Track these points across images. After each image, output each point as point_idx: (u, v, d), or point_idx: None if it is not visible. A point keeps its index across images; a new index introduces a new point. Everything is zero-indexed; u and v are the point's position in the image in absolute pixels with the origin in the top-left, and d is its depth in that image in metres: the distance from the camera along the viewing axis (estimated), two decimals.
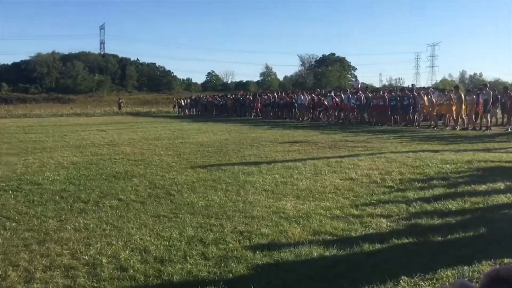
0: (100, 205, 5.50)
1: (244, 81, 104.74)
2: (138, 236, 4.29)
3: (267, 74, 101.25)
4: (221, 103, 33.01)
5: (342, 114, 22.04)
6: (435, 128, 17.26)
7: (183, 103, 37.76)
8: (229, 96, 34.08)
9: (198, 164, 8.67)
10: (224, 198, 5.77)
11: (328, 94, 23.52)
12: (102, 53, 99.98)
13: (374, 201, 5.49)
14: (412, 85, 24.56)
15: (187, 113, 36.75)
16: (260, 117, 27.67)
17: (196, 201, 5.63)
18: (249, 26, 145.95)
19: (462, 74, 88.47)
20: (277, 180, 6.90)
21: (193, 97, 39.07)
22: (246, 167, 8.11)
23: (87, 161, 9.22)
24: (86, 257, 3.73)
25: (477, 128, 16.44)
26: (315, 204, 5.42)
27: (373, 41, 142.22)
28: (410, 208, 5.15)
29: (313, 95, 24.69)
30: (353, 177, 7.04)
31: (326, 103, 22.70)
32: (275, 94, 28.06)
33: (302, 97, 24.57)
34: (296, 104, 24.85)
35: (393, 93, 20.10)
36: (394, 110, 19.23)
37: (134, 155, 10.03)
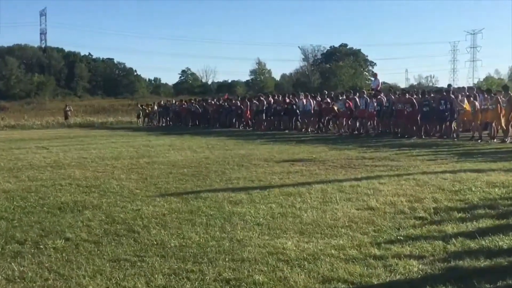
0: (41, 246, 5.44)
1: (230, 81, 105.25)
2: (91, 287, 4.24)
3: (259, 72, 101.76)
4: (200, 110, 33.11)
5: (357, 124, 22.18)
6: (479, 141, 17.43)
7: (150, 111, 37.83)
8: (210, 101, 34.23)
9: (170, 191, 8.61)
10: (205, 235, 5.73)
11: (340, 98, 23.68)
12: (43, 46, 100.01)
13: (401, 238, 5.49)
14: (448, 85, 24.88)
15: (156, 124, 36.79)
16: (251, 128, 27.74)
17: (167, 239, 5.59)
18: (235, 9, 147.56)
19: None
20: (274, 210, 6.88)
21: (162, 102, 39.21)
22: (233, 194, 8.07)
23: (24, 188, 9.12)
24: None
25: None
26: (324, 242, 5.41)
27: (396, 28, 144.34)
28: (448, 246, 5.15)
29: (319, 98, 24.86)
30: (373, 206, 7.05)
31: (336, 109, 22.86)
32: (270, 98, 28.22)
33: (305, 101, 24.73)
34: (297, 111, 24.99)
35: (424, 96, 20.27)
36: (426, 117, 19.40)
37: (85, 180, 9.94)
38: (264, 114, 27.16)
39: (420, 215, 6.51)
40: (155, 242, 5.50)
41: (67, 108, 43.94)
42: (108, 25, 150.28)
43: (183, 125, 33.45)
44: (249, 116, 28.39)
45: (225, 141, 19.31)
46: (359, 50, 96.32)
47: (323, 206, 7.14)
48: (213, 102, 33.34)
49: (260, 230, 5.93)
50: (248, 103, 28.96)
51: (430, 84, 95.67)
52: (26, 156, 15.12)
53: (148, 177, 10.18)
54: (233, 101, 31.15)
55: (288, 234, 5.75)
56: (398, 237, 5.50)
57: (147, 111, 38.07)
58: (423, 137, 19.09)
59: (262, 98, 28.39)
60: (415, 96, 20.77)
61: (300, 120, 25.27)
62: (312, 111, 24.09)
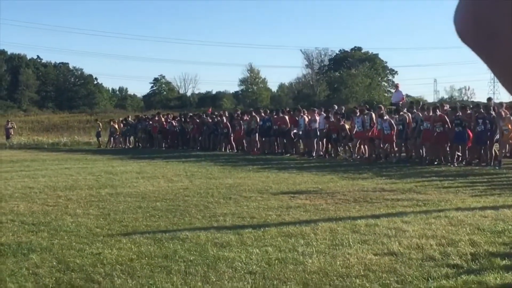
0: None
1: (214, 92, 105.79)
2: None
3: (251, 81, 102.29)
4: (177, 128, 33.14)
5: (374, 147, 22.25)
6: None
7: (113, 129, 37.82)
8: (190, 116, 34.29)
9: (139, 230, 8.59)
10: (183, 286, 5.72)
11: (355, 115, 23.75)
12: None
13: None
14: (488, 99, 25.03)
15: (121, 146, 36.74)
16: (241, 151, 27.75)
17: None
18: (222, 4, 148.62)
19: None
20: (271, 256, 6.86)
21: (130, 118, 39.21)
22: (218, 234, 8.06)
23: None
24: None
25: None
26: None
27: (423, 29, 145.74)
28: None
29: (324, 114, 24.92)
30: (395, 250, 7.05)
31: (348, 128, 22.93)
32: (264, 114, 28.25)
33: (308, 118, 24.83)
34: (300, 131, 25.05)
35: (456, 113, 20.39)
36: (460, 139, 19.49)
37: (32, 216, 9.89)
38: (258, 134, 27.20)
39: (454, 262, 6.50)
40: None
41: (9, 125, 43.87)
42: (61, 22, 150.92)
43: (156, 147, 33.46)
44: (240, 136, 28.40)
45: (208, 168, 19.33)
46: (376, 55, 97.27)
47: (332, 250, 7.13)
48: (194, 118, 33.11)
49: (253, 280, 5.91)
50: (239, 119, 28.95)
51: (465, 97, 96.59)
52: None
53: (111, 213, 10.13)
54: (219, 117, 31.19)
55: (288, 285, 5.73)
56: None
57: (111, 129, 37.94)
58: (456, 164, 19.19)
59: (255, 114, 28.43)
60: (446, 112, 20.80)
61: (302, 141, 25.33)
62: (318, 131, 24.12)
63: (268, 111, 29.84)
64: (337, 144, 23.96)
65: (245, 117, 28.89)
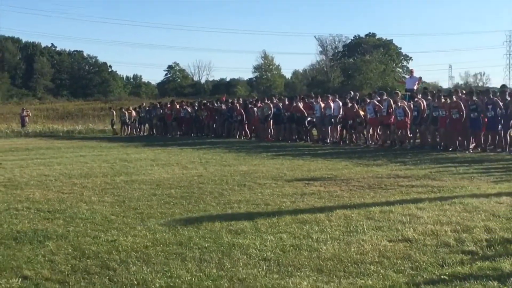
0: None
1: (228, 79, 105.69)
2: None
3: (266, 68, 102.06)
4: (191, 115, 33.16)
5: (388, 133, 22.16)
6: None
7: (128, 117, 37.88)
8: (204, 104, 34.27)
9: (153, 217, 8.61)
10: (198, 273, 5.73)
11: (368, 100, 23.65)
12: None
13: (446, 277, 5.47)
14: (502, 85, 24.79)
15: (135, 133, 36.82)
16: (255, 138, 27.73)
17: (151, 279, 5.58)
18: None
19: None
20: (285, 242, 6.87)
21: (144, 105, 39.23)
22: (233, 221, 8.07)
23: None
24: None
25: None
26: (349, 282, 5.40)
27: (437, 14, 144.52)
28: None
29: (342, 101, 24.81)
30: (409, 236, 7.04)
31: (362, 114, 22.85)
32: (275, 101, 28.16)
33: (323, 104, 24.74)
34: (314, 118, 24.99)
35: (472, 98, 20.24)
36: (475, 126, 19.36)
37: (47, 203, 9.94)
38: (272, 121, 27.19)
39: (469, 248, 6.49)
40: (136, 282, 5.49)
41: (24, 113, 44.07)
42: (75, 10, 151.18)
43: (171, 134, 33.51)
44: (254, 124, 28.38)
45: (223, 155, 19.35)
46: (390, 41, 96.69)
47: (346, 236, 7.13)
48: (208, 105, 33.06)
49: (268, 267, 5.92)
50: (253, 107, 28.92)
51: (480, 83, 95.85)
52: None
53: (126, 200, 10.17)
54: (234, 104, 31.09)
55: (302, 272, 5.74)
56: (442, 277, 5.49)
57: (125, 117, 37.93)
58: (471, 150, 19.08)
59: (268, 102, 28.37)
60: (461, 99, 20.63)
61: (317, 128, 25.27)
62: (333, 118, 24.04)
63: (280, 98, 29.75)
64: (352, 131, 23.89)
65: (259, 104, 28.87)
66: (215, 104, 32.89)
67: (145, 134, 36.31)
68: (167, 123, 34.65)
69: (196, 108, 33.63)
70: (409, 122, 21.17)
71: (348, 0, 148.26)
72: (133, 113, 37.74)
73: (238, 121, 29.29)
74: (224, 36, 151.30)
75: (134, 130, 37.20)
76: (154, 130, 35.98)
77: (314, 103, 25.42)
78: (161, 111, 35.46)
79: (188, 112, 33.59)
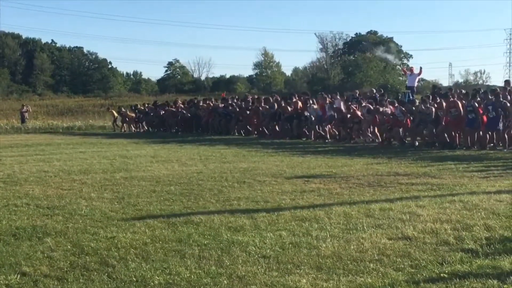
0: None
1: (228, 76, 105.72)
2: None
3: (266, 65, 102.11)
4: (191, 113, 33.10)
5: (387, 131, 22.15)
6: None
7: (128, 113, 37.87)
8: (203, 100, 34.20)
9: (153, 213, 8.60)
10: (197, 270, 5.72)
11: (364, 104, 23.65)
12: None
13: (446, 275, 5.46)
14: (505, 81, 24.73)
15: (135, 130, 36.81)
16: (256, 135, 27.71)
17: (150, 275, 5.58)
18: None
19: None
20: (284, 240, 6.86)
21: (144, 103, 39.20)
22: (232, 218, 8.07)
23: None
24: None
25: None
26: (348, 280, 5.39)
27: (438, 12, 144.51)
28: (505, 286, 5.14)
29: (342, 99, 24.81)
30: (409, 234, 7.03)
31: (360, 114, 22.87)
32: (279, 99, 28.15)
33: (319, 103, 24.74)
34: (311, 120, 25.00)
35: (468, 100, 20.19)
36: (473, 124, 19.35)
37: (46, 200, 9.94)
38: (271, 119, 27.17)
39: (469, 246, 6.48)
40: (135, 279, 5.49)
41: (24, 109, 44.12)
42: (75, 6, 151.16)
43: (170, 131, 33.45)
44: (255, 121, 28.33)
45: (222, 152, 19.33)
46: (391, 39, 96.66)
47: (346, 234, 7.13)
48: (207, 103, 32.63)
49: (267, 264, 5.92)
50: (260, 107, 28.73)
51: (480, 81, 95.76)
52: None
53: (126, 196, 10.17)
54: (234, 100, 30.96)
55: (302, 269, 5.73)
56: (442, 275, 5.48)
57: (125, 113, 37.85)
58: (471, 148, 19.05)
59: (266, 98, 28.37)
60: (461, 97, 20.66)
61: (317, 125, 25.26)
62: (331, 117, 24.05)
63: (277, 97, 29.63)
64: (351, 129, 23.87)
65: (260, 101, 28.84)
66: (212, 104, 32.54)
67: (145, 131, 36.06)
68: (167, 121, 34.36)
69: (194, 104, 33.37)
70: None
71: None
72: (134, 109, 37.73)
73: (238, 119, 29.17)
74: (224, 33, 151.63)
75: (135, 126, 37.09)
76: (154, 127, 35.60)
77: (309, 106, 25.44)
78: (162, 108, 35.29)
79: (188, 109, 33.28)
